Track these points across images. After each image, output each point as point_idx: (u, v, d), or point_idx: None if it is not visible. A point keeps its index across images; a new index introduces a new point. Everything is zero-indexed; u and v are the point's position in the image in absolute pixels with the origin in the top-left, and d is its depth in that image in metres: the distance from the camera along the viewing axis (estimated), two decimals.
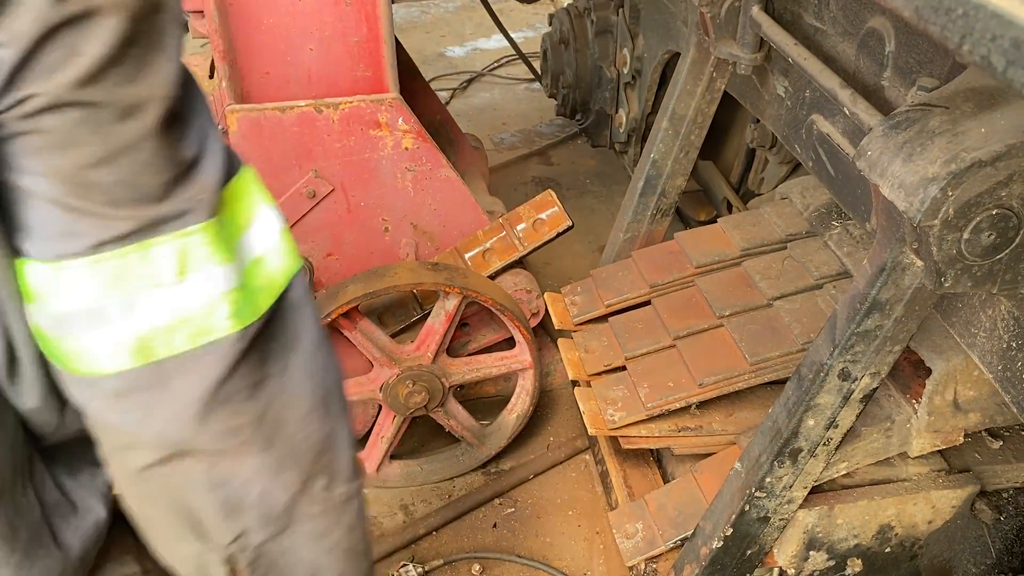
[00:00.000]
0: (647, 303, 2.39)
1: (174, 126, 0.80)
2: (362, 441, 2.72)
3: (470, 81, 5.27)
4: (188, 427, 0.85)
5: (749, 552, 1.85)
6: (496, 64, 5.43)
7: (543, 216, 2.71)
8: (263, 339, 0.89)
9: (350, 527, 1.04)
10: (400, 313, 2.70)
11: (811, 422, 1.64)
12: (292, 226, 2.55)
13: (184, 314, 0.82)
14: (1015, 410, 1.48)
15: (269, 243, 0.92)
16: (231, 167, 0.88)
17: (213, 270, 0.83)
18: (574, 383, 2.35)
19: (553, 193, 2.74)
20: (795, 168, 2.89)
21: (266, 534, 0.98)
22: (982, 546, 2.01)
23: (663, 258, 2.45)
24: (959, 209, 1.28)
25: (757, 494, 1.74)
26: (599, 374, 2.29)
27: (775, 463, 1.69)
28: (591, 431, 2.14)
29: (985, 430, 2.00)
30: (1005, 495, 1.97)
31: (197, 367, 0.84)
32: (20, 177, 0.75)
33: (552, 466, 2.78)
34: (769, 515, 1.78)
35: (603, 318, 2.44)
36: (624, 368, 2.25)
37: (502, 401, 2.80)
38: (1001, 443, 2.01)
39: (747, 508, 1.76)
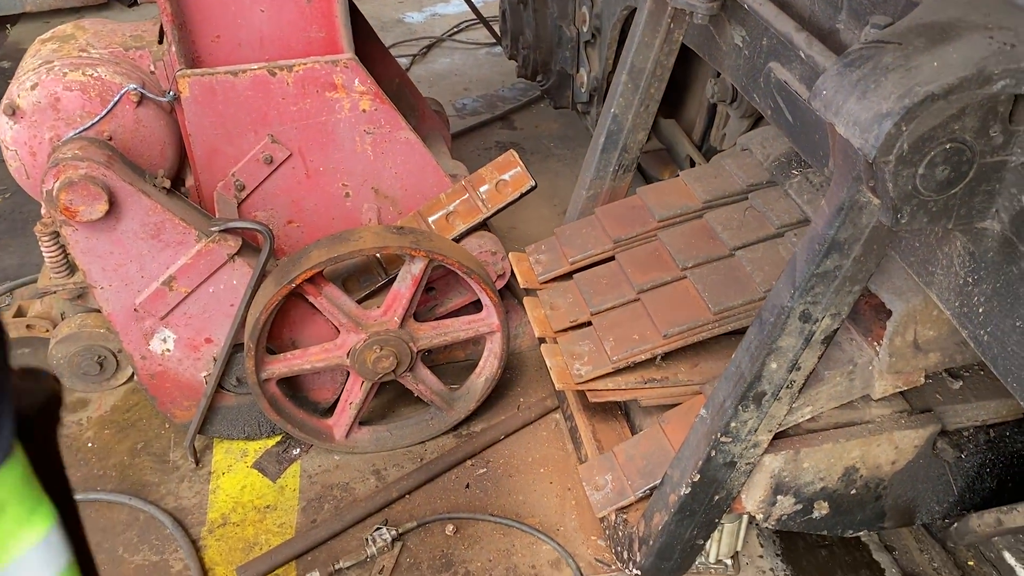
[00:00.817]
0: (611, 258, 2.39)
1: None
2: (331, 408, 2.71)
3: (430, 47, 5.21)
4: None
5: (717, 497, 1.87)
6: (456, 29, 5.36)
7: (506, 177, 2.69)
8: None
9: None
10: (365, 279, 2.67)
11: (774, 365, 1.65)
12: (251, 193, 2.51)
13: None
14: (972, 344, 1.50)
15: None
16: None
17: None
18: (541, 340, 2.35)
19: (515, 154, 2.72)
20: (756, 123, 2.89)
21: None
22: (944, 484, 2.05)
23: (626, 213, 2.45)
24: (913, 144, 1.28)
25: (723, 439, 1.75)
26: (565, 330, 2.29)
27: (739, 407, 1.71)
28: (558, 386, 2.14)
29: (945, 371, 2.03)
30: (966, 433, 2.01)
31: None
32: None
33: (523, 426, 2.79)
34: (735, 460, 1.80)
35: (568, 275, 2.43)
36: (590, 323, 2.25)
37: (472, 365, 2.80)
38: (961, 383, 2.04)
39: (713, 454, 1.77)
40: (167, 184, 2.40)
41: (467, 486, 2.61)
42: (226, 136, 2.40)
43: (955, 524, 2.09)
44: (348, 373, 2.62)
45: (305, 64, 2.35)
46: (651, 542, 1.97)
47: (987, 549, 2.30)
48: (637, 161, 2.62)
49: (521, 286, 2.54)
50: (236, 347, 2.51)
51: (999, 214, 1.38)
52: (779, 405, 1.73)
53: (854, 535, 2.25)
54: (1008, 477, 2.05)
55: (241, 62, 2.39)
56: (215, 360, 2.54)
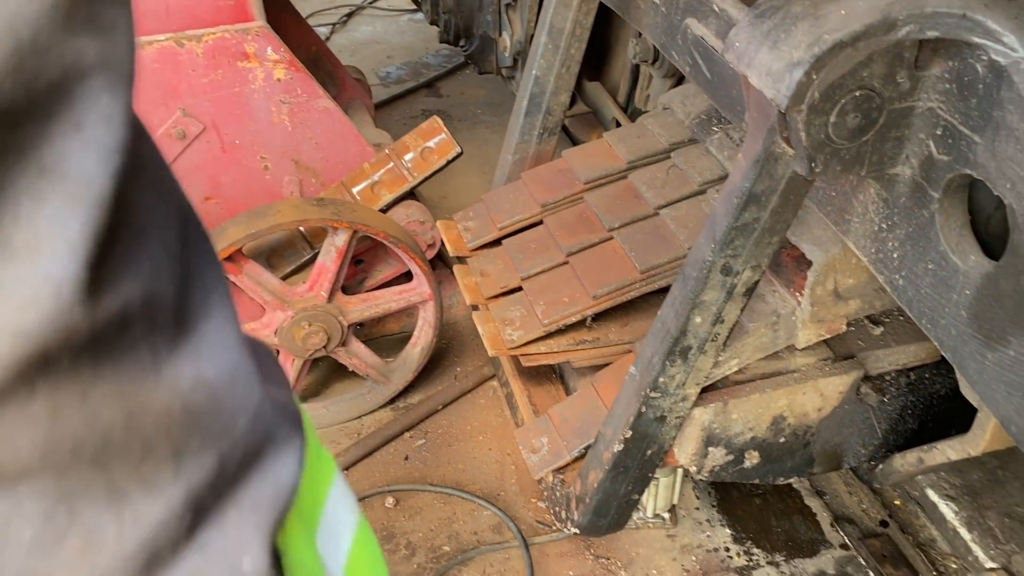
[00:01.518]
0: (539, 223, 2.37)
1: None
2: None
3: (350, 15, 5.09)
4: None
5: (649, 452, 1.89)
6: None
7: (431, 144, 2.66)
8: None
9: None
10: (289, 254, 2.61)
11: (698, 319, 1.67)
12: None
13: None
14: (889, 290, 1.53)
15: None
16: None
17: None
18: (474, 308, 2.33)
19: (439, 120, 2.68)
20: (678, 82, 2.90)
21: None
22: (869, 428, 2.11)
23: (552, 177, 2.44)
24: (824, 92, 1.29)
25: (652, 394, 1.77)
26: (496, 296, 2.28)
27: (666, 362, 1.72)
28: (491, 352, 2.13)
29: (866, 317, 2.07)
30: (888, 378, 2.06)
31: None
32: None
33: (460, 395, 2.78)
34: (665, 414, 1.81)
35: (497, 241, 2.41)
36: (520, 288, 2.24)
37: (406, 338, 2.77)
38: (882, 329, 2.10)
39: (643, 409, 1.79)
40: None
41: (406, 458, 2.60)
42: (135, 111, 2.30)
43: (880, 466, 2.16)
44: (277, 352, 2.57)
45: (214, 33, 2.27)
46: (587, 500, 1.99)
47: (912, 488, 2.39)
48: (562, 123, 2.60)
49: (451, 254, 2.52)
50: None
51: (909, 159, 1.40)
52: (705, 358, 1.75)
53: (785, 482, 2.30)
54: (928, 417, 2.12)
55: (147, 34, 2.29)
56: None
